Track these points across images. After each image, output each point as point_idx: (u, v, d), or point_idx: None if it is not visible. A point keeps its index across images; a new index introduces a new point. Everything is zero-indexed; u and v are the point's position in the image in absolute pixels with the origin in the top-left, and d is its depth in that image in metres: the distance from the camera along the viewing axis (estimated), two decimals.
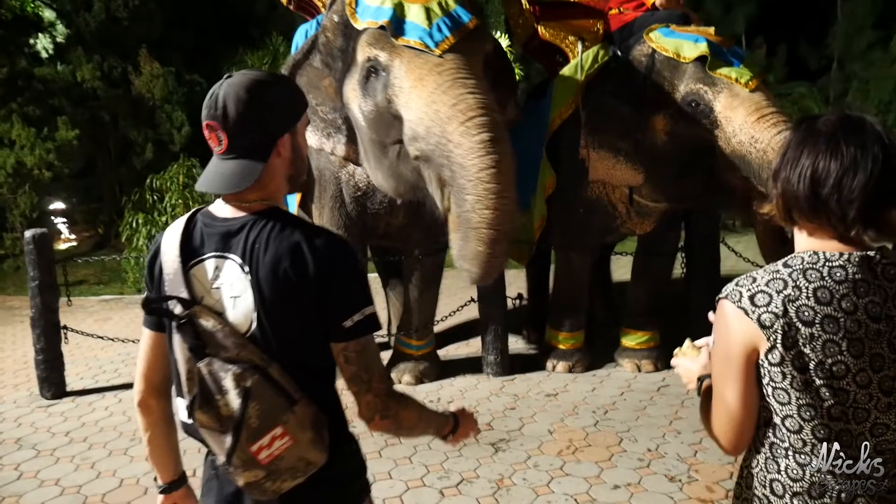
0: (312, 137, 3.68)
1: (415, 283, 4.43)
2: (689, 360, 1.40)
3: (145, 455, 1.45)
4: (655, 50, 3.74)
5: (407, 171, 3.28)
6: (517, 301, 4.83)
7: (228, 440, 1.16)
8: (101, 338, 5.06)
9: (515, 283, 5.99)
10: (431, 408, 1.42)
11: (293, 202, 4.32)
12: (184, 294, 1.22)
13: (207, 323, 1.20)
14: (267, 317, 1.21)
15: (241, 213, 1.26)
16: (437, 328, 4.89)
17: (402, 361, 4.50)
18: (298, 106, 1.32)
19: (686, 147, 3.67)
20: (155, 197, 8.79)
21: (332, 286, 1.21)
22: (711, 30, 3.79)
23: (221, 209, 1.29)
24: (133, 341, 5.03)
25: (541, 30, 4.48)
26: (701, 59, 3.55)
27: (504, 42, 10.60)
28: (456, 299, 5.12)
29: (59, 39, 11.16)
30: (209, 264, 1.25)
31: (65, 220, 13.22)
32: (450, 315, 4.89)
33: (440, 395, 4.27)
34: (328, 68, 3.56)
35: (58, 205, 12.91)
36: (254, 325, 1.21)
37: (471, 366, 4.69)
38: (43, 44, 10.80)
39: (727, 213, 4.29)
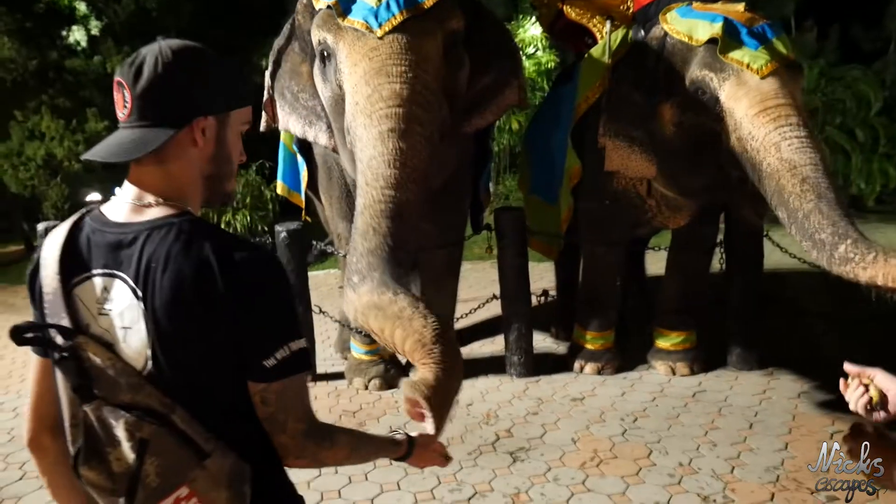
0: (296, 126, 3.52)
1: (430, 279, 4.22)
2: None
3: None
4: (667, 32, 3.44)
5: None
6: (542, 298, 4.57)
7: (122, 502, 0.95)
8: None
9: (546, 276, 5.73)
10: (379, 433, 1.24)
11: (301, 185, 4.16)
12: (65, 321, 0.99)
13: (95, 358, 0.97)
14: (165, 353, 0.98)
15: (138, 218, 1.02)
16: (460, 324, 4.68)
17: None
18: (238, 94, 1.09)
19: (693, 140, 3.37)
20: None
21: (249, 315, 0.98)
22: (740, 7, 3.43)
23: (116, 211, 1.05)
24: None
25: (566, 9, 4.20)
26: (713, 42, 3.22)
27: (538, 29, 10.28)
28: (484, 293, 4.89)
29: (94, 32, 11.25)
30: (96, 283, 1.01)
31: None
32: (470, 312, 4.65)
33: (459, 396, 4.03)
34: (304, 53, 3.39)
35: (94, 196, 13.09)
36: (150, 363, 0.98)
37: (494, 365, 4.45)
38: (76, 37, 10.90)
39: (738, 214, 3.98)
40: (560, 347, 4.78)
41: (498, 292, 4.36)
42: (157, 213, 1.02)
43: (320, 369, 4.50)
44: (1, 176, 9.74)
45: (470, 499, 2.87)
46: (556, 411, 3.75)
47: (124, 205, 1.04)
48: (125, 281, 0.99)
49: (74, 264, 1.02)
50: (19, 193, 10.05)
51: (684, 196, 3.75)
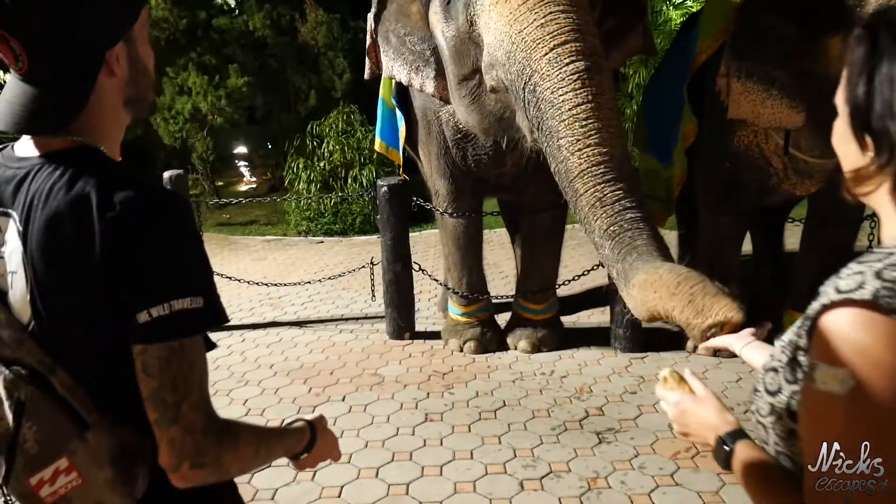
0: (401, 72, 3.34)
1: (533, 241, 4.00)
2: (683, 396, 1.03)
3: None
4: None
5: (490, 107, 2.86)
6: None
7: (3, 463, 0.88)
8: (230, 278, 5.15)
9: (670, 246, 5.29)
10: (280, 426, 1.08)
11: (399, 141, 4.03)
12: None
13: None
14: (44, 303, 0.88)
15: (38, 151, 0.93)
16: (563, 291, 4.43)
17: (519, 326, 4.12)
18: (132, 2, 0.96)
19: None
20: (315, 143, 9.04)
21: (125, 261, 0.84)
22: None
23: (23, 145, 0.96)
24: (276, 285, 5.22)
25: None
26: None
27: None
28: (592, 260, 4.60)
29: None
30: None
31: (246, 163, 14.33)
32: (573, 279, 4.38)
33: (555, 367, 3.84)
34: None
35: (241, 149, 14.00)
36: (33, 316, 0.89)
37: (598, 337, 4.18)
38: None
39: None
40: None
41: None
42: (56, 145, 0.92)
43: (419, 327, 4.46)
44: (156, 129, 10.60)
45: (543, 477, 2.69)
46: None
47: (31, 138, 0.96)
48: (15, 220, 0.90)
49: None
50: (170, 145, 10.88)
51: (834, 157, 3.17)
